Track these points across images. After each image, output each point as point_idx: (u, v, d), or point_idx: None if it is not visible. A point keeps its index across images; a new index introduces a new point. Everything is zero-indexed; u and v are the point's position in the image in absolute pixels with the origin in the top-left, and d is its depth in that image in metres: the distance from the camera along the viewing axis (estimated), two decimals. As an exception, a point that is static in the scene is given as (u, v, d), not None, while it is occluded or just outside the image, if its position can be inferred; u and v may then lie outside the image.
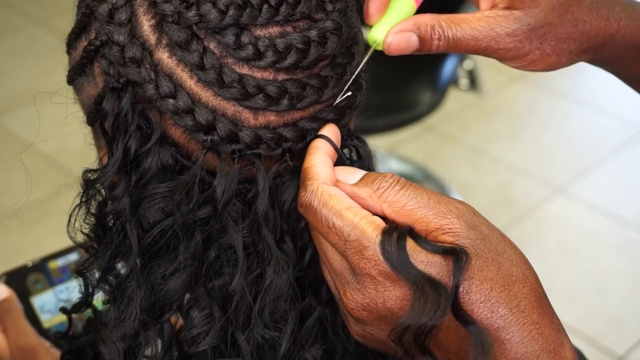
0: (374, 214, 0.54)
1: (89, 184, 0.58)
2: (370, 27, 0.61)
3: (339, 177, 0.56)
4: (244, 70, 0.55)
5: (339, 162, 0.58)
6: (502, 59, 0.62)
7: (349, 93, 0.59)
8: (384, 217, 0.54)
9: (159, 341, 0.59)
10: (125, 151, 0.55)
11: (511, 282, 0.52)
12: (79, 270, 0.61)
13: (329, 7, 0.57)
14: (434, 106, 2.13)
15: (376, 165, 0.64)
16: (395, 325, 0.51)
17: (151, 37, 0.55)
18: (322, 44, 0.56)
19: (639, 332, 2.14)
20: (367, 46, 0.60)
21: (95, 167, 0.58)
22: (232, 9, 0.54)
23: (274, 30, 0.55)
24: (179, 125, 0.55)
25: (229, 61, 0.54)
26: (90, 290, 0.62)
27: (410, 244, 0.51)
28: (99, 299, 0.62)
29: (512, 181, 2.61)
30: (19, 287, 0.86)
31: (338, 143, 0.57)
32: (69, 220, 0.59)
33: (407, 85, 2.17)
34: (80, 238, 0.60)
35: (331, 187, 0.54)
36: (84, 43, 0.58)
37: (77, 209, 0.59)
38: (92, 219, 0.59)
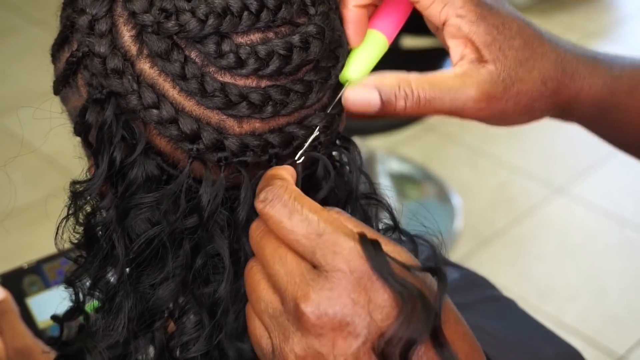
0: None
1: (76, 195, 0.58)
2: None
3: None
4: (226, 78, 0.54)
5: None
6: (477, 118, 0.60)
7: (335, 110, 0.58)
8: None
9: (151, 348, 0.59)
10: (110, 162, 0.55)
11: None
12: (69, 280, 0.61)
13: (312, 10, 0.56)
14: (433, 106, 2.13)
15: (368, 167, 0.64)
16: (388, 333, 0.48)
17: (132, 48, 0.55)
18: (304, 49, 0.55)
19: (639, 332, 2.14)
20: (339, 84, 0.59)
21: (82, 179, 0.58)
22: (212, 17, 0.53)
23: (255, 37, 0.55)
24: (163, 135, 0.55)
25: (210, 70, 0.54)
26: (82, 298, 0.62)
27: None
28: (92, 304, 0.62)
29: (512, 181, 2.61)
30: (15, 289, 0.86)
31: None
32: (57, 232, 0.59)
33: (407, 85, 2.17)
34: (68, 248, 0.60)
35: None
36: (66, 54, 0.58)
37: (65, 220, 0.59)
38: (81, 229, 0.59)
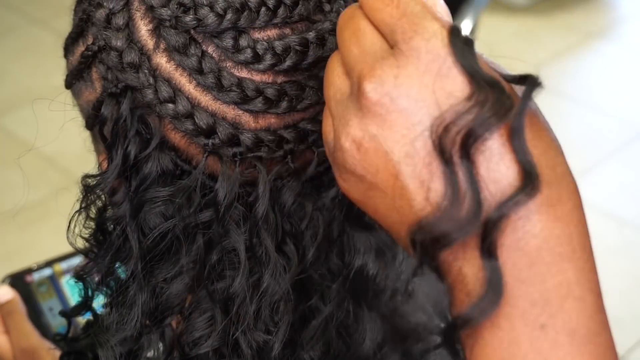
0: None
1: (88, 189, 0.58)
2: None
3: None
4: (243, 73, 0.54)
5: None
6: None
7: None
8: None
9: (161, 344, 0.59)
10: (124, 157, 0.55)
11: None
12: (79, 275, 0.61)
13: (327, 8, 0.57)
14: (433, 106, 2.13)
15: None
16: (453, 113, 0.43)
17: (149, 42, 0.55)
18: (320, 46, 0.55)
19: (639, 332, 2.14)
20: None
21: (94, 173, 0.58)
22: (230, 12, 0.53)
23: (272, 32, 0.55)
24: (179, 130, 0.55)
25: (227, 65, 0.54)
26: (90, 294, 0.62)
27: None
28: (99, 301, 0.62)
29: (512, 181, 2.61)
30: (23, 290, 0.87)
31: None
32: (69, 226, 0.59)
33: (407, 86, 2.17)
34: (80, 243, 0.60)
35: None
36: (81, 48, 0.58)
37: (77, 214, 0.59)
38: (92, 224, 0.59)
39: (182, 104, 0.54)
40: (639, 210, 2.49)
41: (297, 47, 0.54)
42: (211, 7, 0.54)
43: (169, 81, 0.54)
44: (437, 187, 0.44)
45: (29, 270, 0.89)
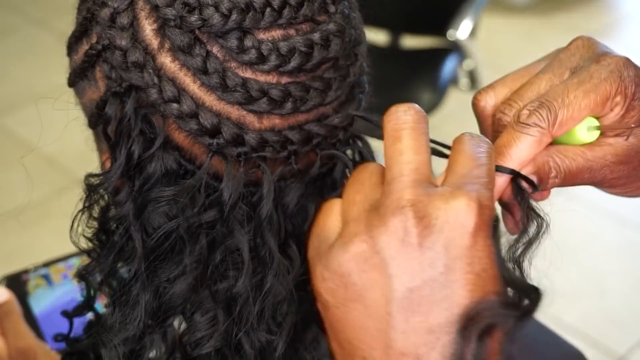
0: None
1: (91, 189, 0.58)
2: None
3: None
4: (248, 74, 0.54)
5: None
6: (612, 187, 0.59)
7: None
8: None
9: (163, 344, 0.59)
10: (128, 156, 0.55)
11: None
12: (81, 274, 0.61)
13: (332, 9, 0.57)
14: (434, 106, 2.13)
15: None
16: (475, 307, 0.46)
17: (153, 42, 0.55)
18: (325, 47, 0.55)
19: (639, 332, 2.14)
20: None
21: (97, 172, 0.58)
22: (235, 12, 0.53)
23: (277, 33, 0.55)
24: (183, 130, 0.55)
25: (232, 65, 0.54)
26: (92, 293, 0.62)
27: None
28: (101, 302, 0.62)
29: (512, 181, 2.61)
30: (20, 291, 0.87)
31: None
32: (72, 226, 0.59)
33: (407, 85, 2.17)
34: (83, 243, 0.60)
35: None
36: (85, 47, 0.58)
37: (80, 214, 0.59)
38: (95, 223, 0.59)
39: (186, 103, 0.54)
40: (639, 210, 2.49)
41: (302, 48, 0.54)
42: (216, 8, 0.53)
43: (173, 81, 0.54)
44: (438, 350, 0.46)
45: (26, 272, 0.89)
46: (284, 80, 0.55)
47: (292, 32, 0.55)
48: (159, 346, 0.59)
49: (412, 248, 0.46)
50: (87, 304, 0.63)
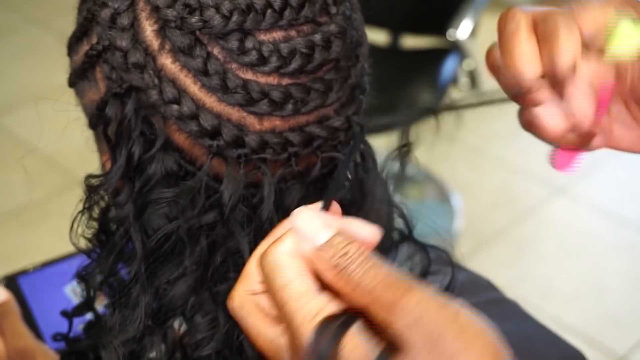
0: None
1: (92, 190, 0.58)
2: None
3: (303, 236, 0.48)
4: (248, 75, 0.54)
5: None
6: None
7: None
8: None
9: (163, 345, 0.59)
10: (128, 157, 0.55)
11: None
12: (81, 275, 0.61)
13: (333, 10, 0.56)
14: (433, 106, 2.13)
15: (379, 164, 0.64)
16: None
17: (154, 43, 0.54)
18: (326, 48, 0.55)
19: (639, 332, 2.14)
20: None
21: (98, 173, 0.58)
22: (236, 14, 0.53)
23: (277, 34, 0.54)
24: (183, 131, 0.55)
25: (232, 67, 0.54)
26: (92, 294, 0.62)
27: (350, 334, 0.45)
28: (100, 302, 0.62)
29: (512, 181, 2.61)
30: (18, 291, 0.87)
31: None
32: (72, 227, 0.59)
33: (407, 85, 2.17)
34: (82, 244, 0.60)
35: (286, 257, 0.48)
36: (85, 47, 0.58)
37: (80, 214, 0.59)
38: (95, 224, 0.59)
39: (186, 105, 0.54)
40: (639, 210, 2.49)
41: (303, 50, 0.54)
42: (217, 9, 0.53)
43: (173, 82, 0.54)
44: None
45: (25, 272, 0.89)
46: (285, 81, 0.55)
47: (293, 33, 0.55)
48: (159, 347, 0.59)
49: None
50: (86, 304, 0.63)
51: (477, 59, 2.22)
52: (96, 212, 0.59)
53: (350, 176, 0.59)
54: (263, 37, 0.54)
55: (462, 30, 2.16)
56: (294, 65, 0.54)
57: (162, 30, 0.54)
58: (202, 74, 0.54)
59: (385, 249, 0.63)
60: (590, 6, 0.54)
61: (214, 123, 0.54)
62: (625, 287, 2.25)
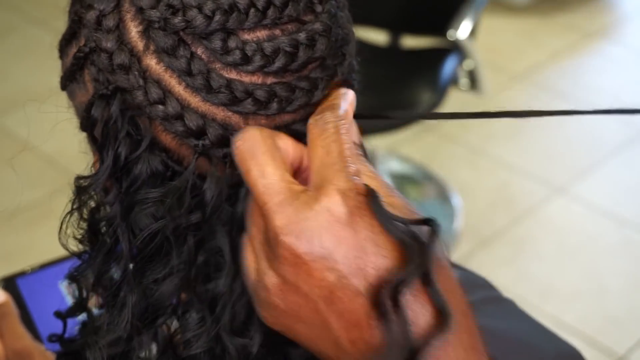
0: None
1: (80, 190, 0.58)
2: None
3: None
4: (232, 75, 0.54)
5: None
6: None
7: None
8: None
9: (154, 345, 0.59)
10: (115, 158, 0.55)
11: None
12: (72, 276, 0.61)
13: (318, 8, 0.56)
14: (434, 106, 2.13)
15: (375, 165, 0.64)
16: (382, 275, 0.49)
17: (139, 44, 0.55)
18: (311, 47, 0.55)
19: (639, 332, 2.14)
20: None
21: (87, 174, 0.58)
22: (219, 14, 0.53)
23: (261, 33, 0.55)
24: (169, 131, 0.55)
25: (216, 66, 0.54)
26: (85, 294, 0.62)
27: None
28: (93, 302, 0.62)
29: (512, 181, 2.61)
30: (17, 292, 0.87)
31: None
32: (61, 227, 0.59)
33: (407, 85, 2.17)
34: (72, 244, 0.60)
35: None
36: (74, 49, 0.58)
37: (69, 215, 0.59)
38: (85, 224, 0.59)
39: (171, 105, 0.54)
40: (639, 210, 2.49)
41: (287, 49, 0.54)
42: (199, 9, 0.53)
43: (158, 83, 0.54)
44: (369, 333, 0.49)
45: (23, 274, 0.89)
46: (269, 80, 0.55)
47: (277, 32, 0.55)
48: (148, 347, 0.59)
49: (304, 267, 0.50)
50: (79, 305, 0.63)
51: (477, 59, 2.22)
52: (86, 212, 0.59)
53: None
54: (246, 36, 0.54)
55: (462, 30, 2.16)
56: (278, 64, 0.54)
57: (147, 32, 0.54)
58: (186, 74, 0.54)
59: None
60: None
61: (199, 123, 0.54)
62: (625, 287, 2.25)
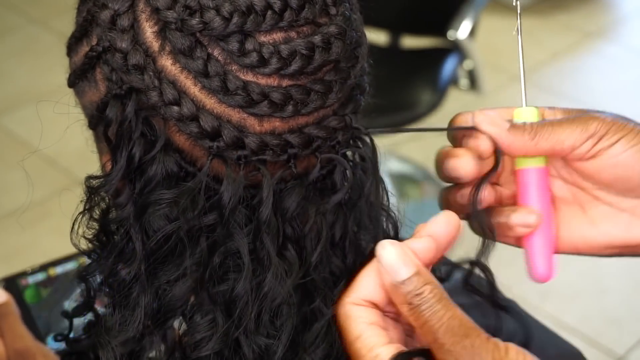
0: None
1: (92, 191, 0.58)
2: None
3: (386, 269, 0.55)
4: (249, 77, 0.54)
5: None
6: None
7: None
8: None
9: (163, 345, 0.59)
10: (129, 159, 0.55)
11: None
12: (81, 275, 0.61)
13: (333, 11, 0.57)
14: (434, 106, 2.13)
15: (380, 163, 0.64)
16: None
17: (154, 44, 0.55)
18: (326, 49, 0.55)
19: (639, 332, 2.14)
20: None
21: (98, 174, 0.58)
22: (236, 15, 0.53)
23: (278, 36, 0.55)
24: (183, 132, 0.55)
25: (233, 68, 0.54)
26: (92, 294, 0.62)
27: None
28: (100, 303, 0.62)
29: (512, 181, 2.61)
30: (18, 292, 0.87)
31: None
32: (72, 227, 0.59)
33: (407, 85, 2.17)
34: (83, 244, 0.60)
35: (354, 308, 0.56)
36: (85, 48, 0.58)
37: (81, 215, 0.59)
38: (96, 225, 0.59)
39: (187, 106, 0.54)
40: (639, 210, 2.49)
41: (303, 51, 0.54)
42: (217, 11, 0.53)
43: (174, 83, 0.54)
44: None
45: (24, 274, 0.89)
46: (285, 83, 0.55)
47: (293, 34, 0.55)
48: (158, 347, 0.59)
49: None
50: (86, 305, 0.63)
51: (477, 59, 2.22)
52: (97, 213, 0.59)
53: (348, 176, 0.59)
54: (263, 38, 0.54)
55: (462, 30, 2.16)
56: (294, 66, 0.54)
57: (163, 32, 0.54)
58: (202, 75, 0.54)
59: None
60: None
61: (214, 124, 0.54)
62: (625, 287, 2.25)
